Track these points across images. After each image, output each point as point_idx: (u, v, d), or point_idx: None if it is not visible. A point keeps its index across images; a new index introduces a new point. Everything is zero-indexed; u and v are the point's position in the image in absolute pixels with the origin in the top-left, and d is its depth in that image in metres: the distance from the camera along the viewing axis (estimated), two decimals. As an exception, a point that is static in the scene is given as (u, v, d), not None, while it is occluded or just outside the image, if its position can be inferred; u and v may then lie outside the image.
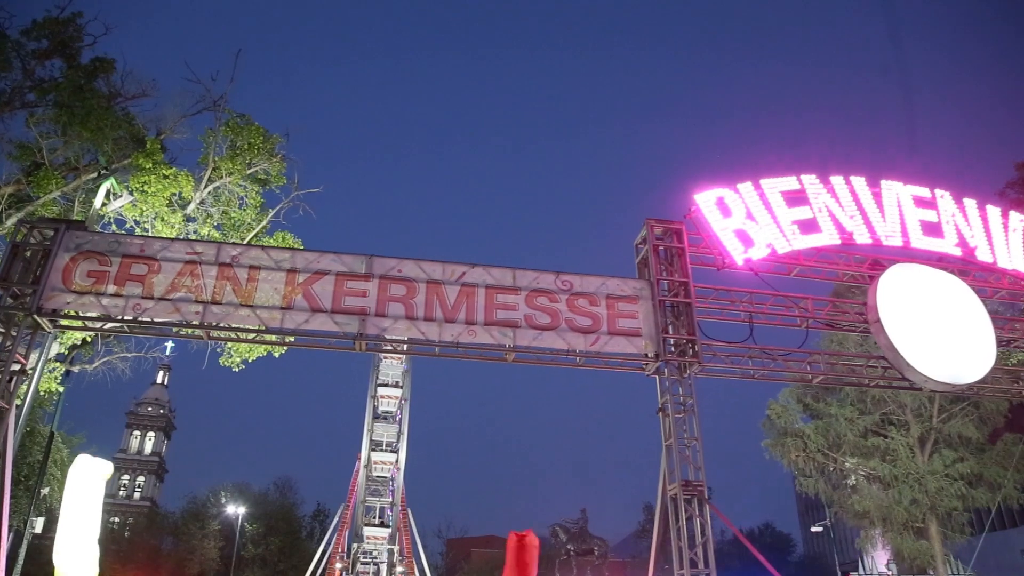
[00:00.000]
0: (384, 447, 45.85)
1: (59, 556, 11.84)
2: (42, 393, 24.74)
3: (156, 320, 13.12)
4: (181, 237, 20.79)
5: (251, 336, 14.24)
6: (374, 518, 45.68)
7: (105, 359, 28.10)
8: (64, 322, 13.33)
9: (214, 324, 13.05)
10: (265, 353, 23.96)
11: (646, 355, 14.31)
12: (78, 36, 24.26)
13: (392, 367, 47.57)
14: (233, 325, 13.11)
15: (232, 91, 24.92)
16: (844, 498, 39.02)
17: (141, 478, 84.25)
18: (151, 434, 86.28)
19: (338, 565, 46.16)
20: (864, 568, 51.96)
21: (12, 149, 23.40)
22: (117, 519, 77.07)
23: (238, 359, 24.29)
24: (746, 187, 16.17)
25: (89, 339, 24.39)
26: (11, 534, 32.30)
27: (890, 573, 48.31)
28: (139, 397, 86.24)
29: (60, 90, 23.17)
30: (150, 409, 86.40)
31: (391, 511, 46.75)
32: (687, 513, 13.81)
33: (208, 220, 23.81)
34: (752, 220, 15.93)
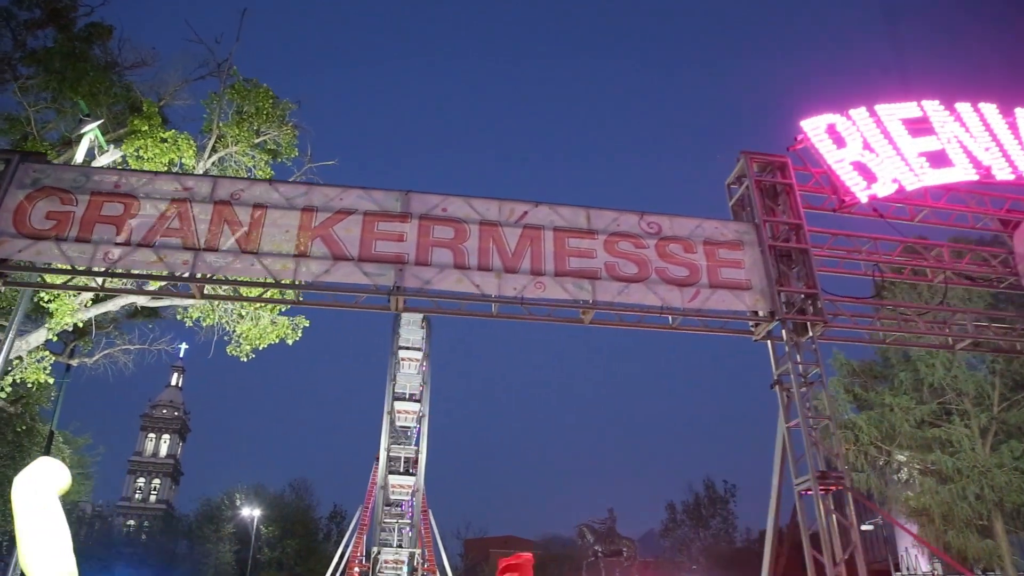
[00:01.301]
0: (402, 467, 42.54)
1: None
2: (30, 385, 21.58)
3: (134, 272, 9.83)
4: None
5: (256, 293, 10.90)
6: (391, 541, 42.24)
7: (106, 352, 24.83)
8: (15, 275, 10.02)
9: (208, 276, 9.72)
10: (277, 340, 20.51)
11: (756, 313, 10.96)
12: (73, 6, 21.24)
13: (410, 377, 44.31)
14: (232, 277, 9.78)
15: (238, 55, 21.63)
16: (897, 494, 35.44)
17: (156, 481, 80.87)
18: (166, 436, 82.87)
19: (357, 570, 42.68)
20: (907, 568, 48.14)
21: (0, 123, 20.39)
22: (133, 522, 73.90)
23: (247, 347, 20.79)
24: (860, 113, 12.79)
25: (81, 324, 21.13)
26: (7, 538, 28.89)
27: (937, 574, 44.59)
28: (153, 399, 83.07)
29: (52, 56, 20.07)
30: (164, 411, 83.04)
31: (410, 506, 43.32)
32: (824, 513, 10.39)
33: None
34: (871, 151, 12.54)
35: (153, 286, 10.74)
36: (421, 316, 45.70)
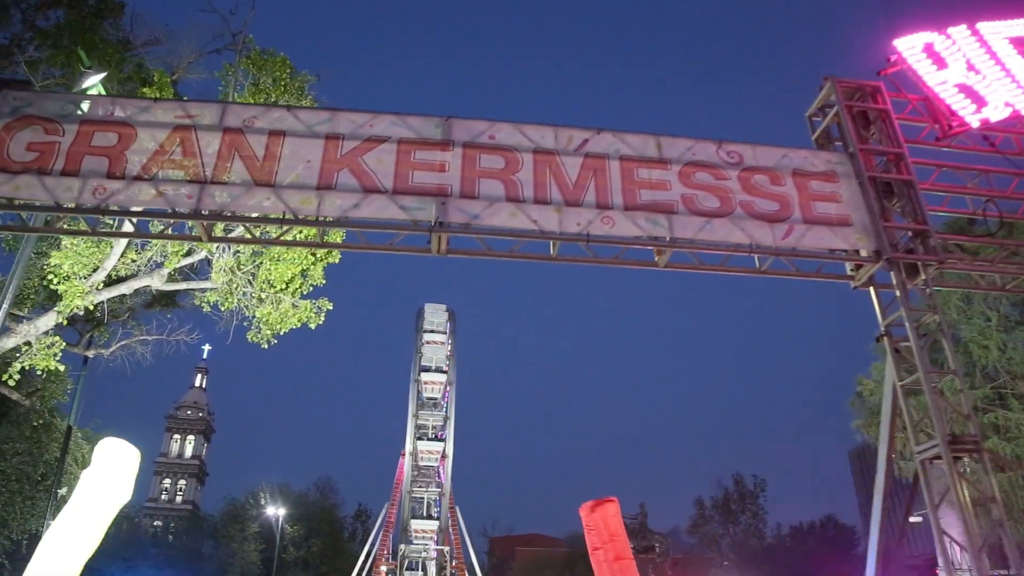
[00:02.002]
0: (430, 435, 40.67)
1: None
2: (39, 372, 20.14)
3: (131, 209, 8.18)
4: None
5: (271, 233, 9.20)
6: (421, 512, 40.49)
7: (122, 343, 23.28)
8: (-10, 216, 8.40)
9: (216, 213, 8.04)
10: (299, 324, 18.72)
11: (857, 253, 9.14)
12: (85, -16, 19.84)
13: (436, 349, 42.51)
14: (244, 214, 8.11)
15: (253, 25, 20.04)
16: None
17: (182, 482, 79.79)
18: (191, 437, 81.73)
19: (383, 568, 40.96)
20: (952, 562, 45.34)
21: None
22: (159, 523, 72.81)
23: (267, 332, 19.06)
24: (960, 32, 10.92)
25: (92, 306, 19.60)
26: (27, 536, 27.47)
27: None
28: (178, 401, 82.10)
29: (61, 32, 18.62)
30: (189, 412, 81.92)
31: (439, 506, 41.57)
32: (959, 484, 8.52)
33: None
34: (976, 73, 10.65)
35: (154, 228, 9.07)
36: (446, 317, 44.02)
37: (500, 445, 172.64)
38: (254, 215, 8.00)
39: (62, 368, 19.99)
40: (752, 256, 8.94)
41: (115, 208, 7.92)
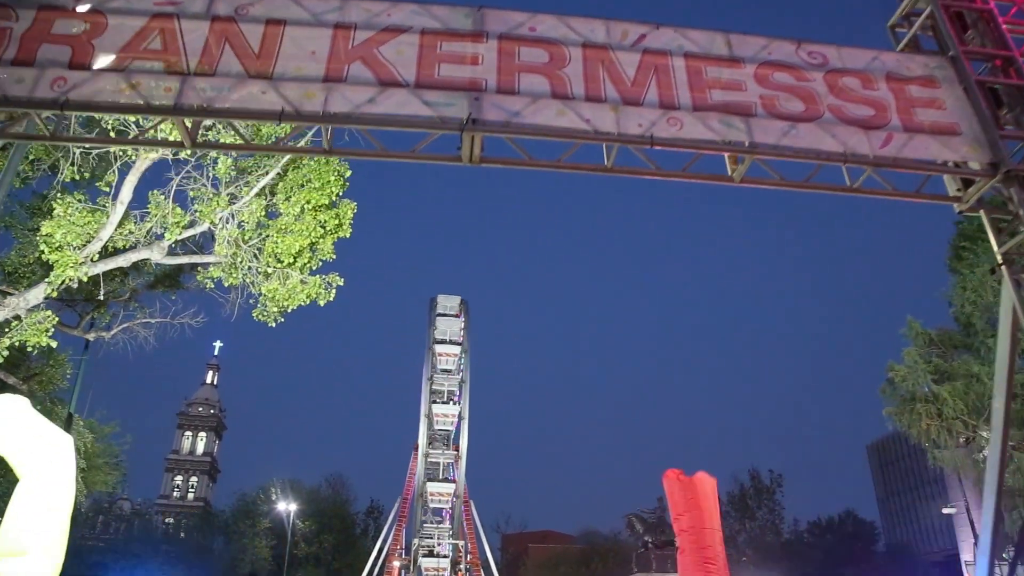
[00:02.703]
0: (444, 398, 39.23)
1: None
2: (31, 349, 18.71)
3: (96, 102, 6.62)
4: None
5: (267, 136, 7.61)
6: (436, 475, 38.95)
7: (124, 325, 21.75)
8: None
9: (201, 108, 6.48)
10: (307, 300, 17.06)
11: (964, 165, 7.52)
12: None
13: (448, 376, 41.08)
14: (235, 109, 6.54)
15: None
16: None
17: (194, 479, 78.41)
18: (202, 434, 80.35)
19: (396, 563, 39.34)
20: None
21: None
22: (171, 520, 71.47)
23: (274, 309, 17.45)
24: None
25: (87, 278, 18.14)
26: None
27: None
28: (189, 397, 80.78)
29: None
30: (200, 409, 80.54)
31: (453, 472, 40.01)
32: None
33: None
34: (1090, -27, 9.07)
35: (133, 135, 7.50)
36: (459, 302, 42.46)
37: (512, 442, 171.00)
38: (246, 107, 6.41)
39: (54, 344, 18.44)
40: (841, 171, 7.32)
41: (77, 101, 6.36)
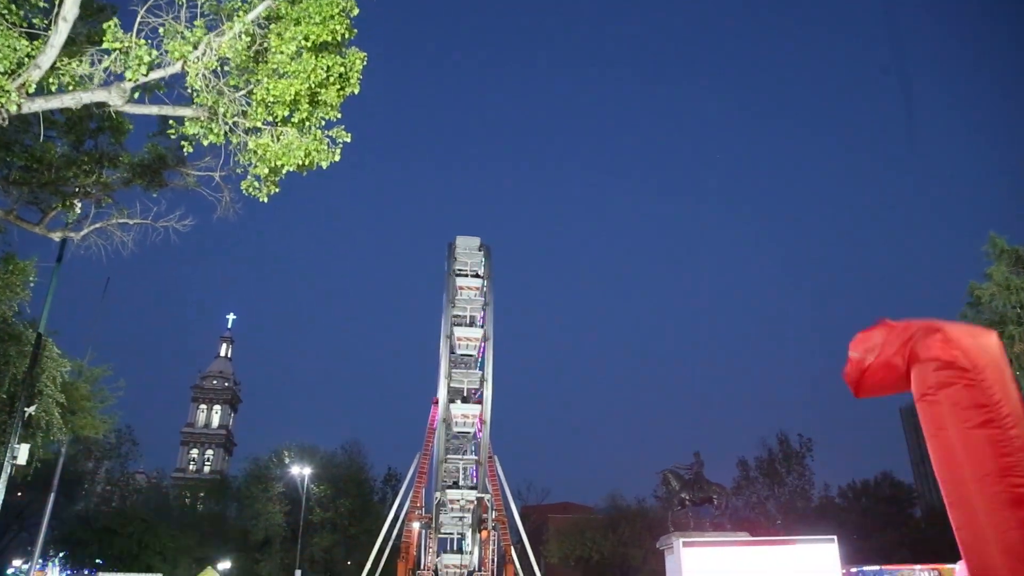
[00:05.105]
0: (465, 394, 34.81)
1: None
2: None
3: None
4: None
5: None
6: (456, 482, 34.52)
7: (96, 225, 17.83)
8: None
9: None
10: (306, 161, 12.80)
11: None
12: None
13: (470, 300, 36.62)
14: None
15: None
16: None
17: (209, 452, 75.30)
18: (217, 407, 77.11)
19: (416, 525, 35.18)
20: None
21: None
22: (188, 494, 68.14)
23: (265, 170, 13.04)
24: None
25: (17, 108, 14.10)
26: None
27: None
28: (203, 370, 77.30)
29: None
30: (215, 382, 77.24)
31: (474, 475, 35.63)
32: None
33: None
34: None
35: None
36: (479, 244, 38.13)
37: (531, 412, 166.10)
38: None
39: None
40: None
41: None
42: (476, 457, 34.07)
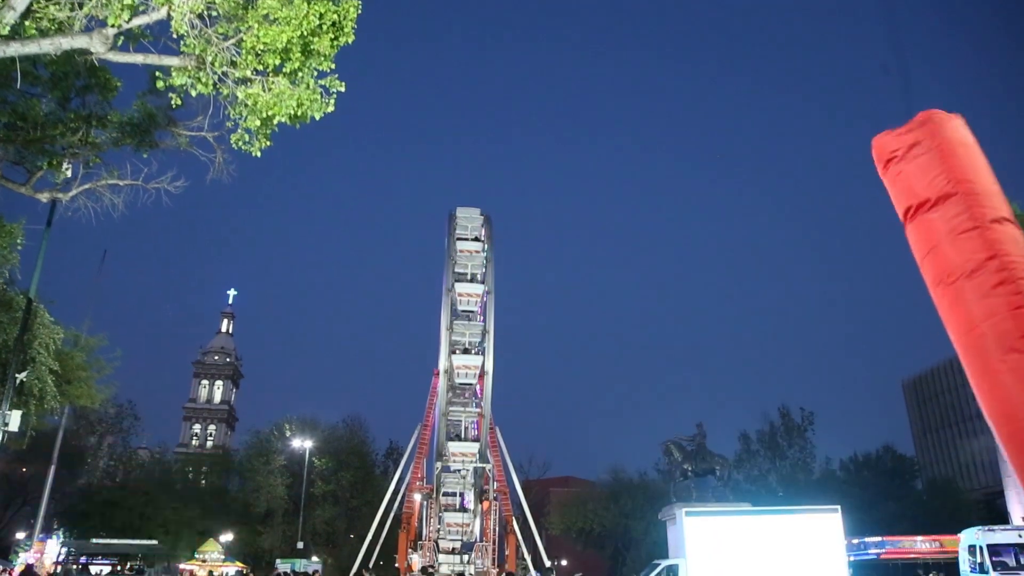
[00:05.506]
0: (466, 346, 34.32)
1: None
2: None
3: None
4: None
5: None
6: (458, 434, 34.31)
7: (85, 186, 17.20)
8: None
9: None
10: (297, 111, 12.10)
11: None
12: None
13: (472, 257, 36.04)
14: None
15: None
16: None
17: (212, 427, 75.33)
18: (219, 383, 76.99)
19: (417, 496, 34.95)
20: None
21: None
22: (191, 468, 68.27)
23: (256, 122, 12.32)
24: None
25: None
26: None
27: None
28: (204, 346, 77.05)
29: None
30: (216, 358, 77.03)
31: (476, 428, 35.36)
32: None
33: None
34: None
35: None
36: (479, 214, 37.42)
37: (531, 385, 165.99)
38: None
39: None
40: None
41: None
42: (479, 410, 33.85)
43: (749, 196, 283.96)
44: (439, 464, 32.58)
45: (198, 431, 74.54)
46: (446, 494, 32.94)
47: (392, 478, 41.03)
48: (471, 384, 34.85)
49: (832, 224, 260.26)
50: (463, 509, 32.66)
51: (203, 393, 75.91)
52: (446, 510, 32.09)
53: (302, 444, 44.83)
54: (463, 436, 33.79)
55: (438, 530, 31.94)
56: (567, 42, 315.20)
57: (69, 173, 16.77)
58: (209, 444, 73.84)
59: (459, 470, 32.84)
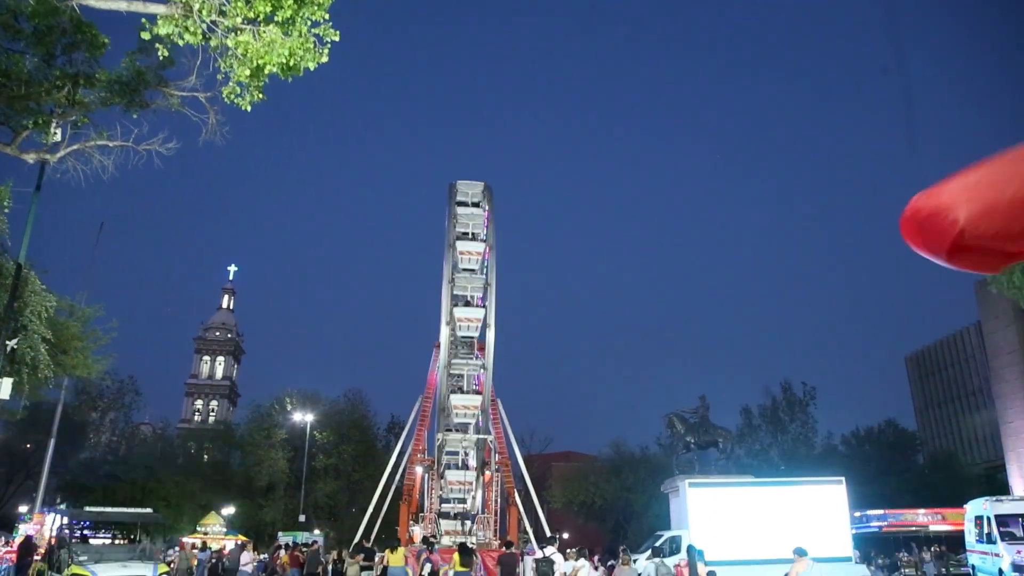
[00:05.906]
0: (465, 385, 34.12)
1: None
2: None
3: None
4: None
5: None
6: (461, 388, 34.07)
7: (74, 147, 16.56)
8: None
9: None
10: (289, 60, 11.41)
11: None
12: None
13: (472, 217, 35.59)
14: None
15: None
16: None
17: (214, 403, 75.27)
18: (220, 359, 76.84)
19: (418, 468, 34.71)
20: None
21: None
22: (193, 443, 68.31)
23: (245, 73, 11.64)
24: None
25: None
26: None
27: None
28: (205, 322, 76.78)
29: None
30: (217, 334, 76.81)
31: (478, 382, 35.02)
32: None
33: None
34: None
35: None
36: (481, 189, 36.64)
37: (532, 358, 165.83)
38: None
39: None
40: None
41: None
42: (481, 362, 33.61)
43: (753, 176, 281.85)
44: (440, 436, 32.27)
45: (200, 407, 74.53)
46: (449, 453, 32.82)
47: (393, 451, 40.88)
48: (472, 337, 34.61)
49: (835, 200, 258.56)
50: (464, 467, 32.57)
51: (205, 369, 75.82)
52: (448, 468, 31.99)
53: (303, 418, 44.56)
54: (465, 388, 33.66)
55: (440, 497, 31.76)
56: (585, 34, 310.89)
57: (58, 136, 16.16)
58: (211, 419, 73.91)
59: (461, 424, 32.77)
